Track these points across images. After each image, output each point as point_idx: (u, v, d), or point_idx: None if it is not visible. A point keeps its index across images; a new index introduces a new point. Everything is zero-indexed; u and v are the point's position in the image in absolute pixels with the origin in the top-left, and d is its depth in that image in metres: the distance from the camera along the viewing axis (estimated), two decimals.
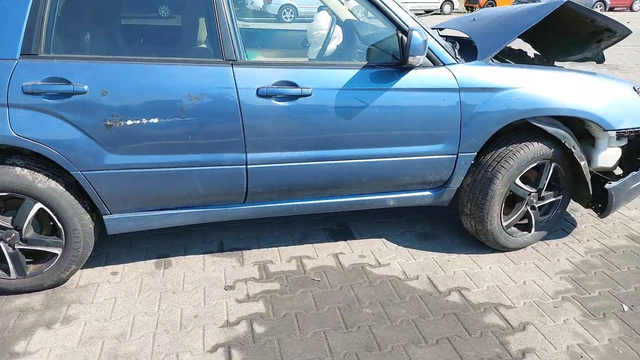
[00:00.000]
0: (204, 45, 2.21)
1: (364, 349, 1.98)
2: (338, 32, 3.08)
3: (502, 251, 2.68)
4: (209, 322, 2.13)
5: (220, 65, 2.11)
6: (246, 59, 2.17)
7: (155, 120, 2.06)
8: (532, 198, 2.57)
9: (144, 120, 2.06)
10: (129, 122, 2.05)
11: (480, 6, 23.02)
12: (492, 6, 22.91)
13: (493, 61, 2.58)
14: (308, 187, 2.37)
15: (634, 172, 2.55)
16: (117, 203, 2.21)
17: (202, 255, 2.65)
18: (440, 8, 21.68)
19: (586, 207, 2.73)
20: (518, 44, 3.35)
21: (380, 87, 2.24)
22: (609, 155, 2.57)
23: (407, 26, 2.23)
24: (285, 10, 16.56)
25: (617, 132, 2.44)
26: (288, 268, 2.53)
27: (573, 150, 2.44)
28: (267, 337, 2.04)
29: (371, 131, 2.28)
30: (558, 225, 2.95)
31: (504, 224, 2.57)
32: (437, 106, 2.30)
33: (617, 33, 2.68)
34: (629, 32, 2.63)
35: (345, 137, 2.27)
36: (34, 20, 1.96)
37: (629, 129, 2.45)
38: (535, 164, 2.48)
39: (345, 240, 2.81)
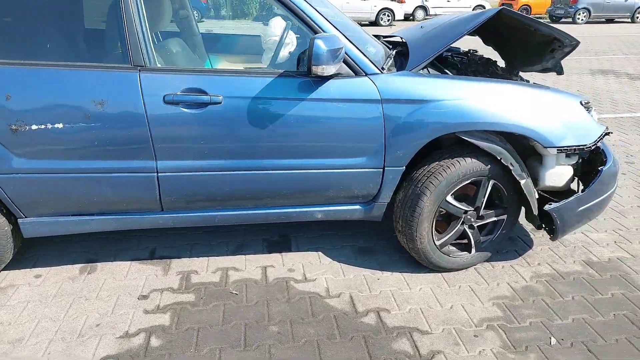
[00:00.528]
0: (113, 51, 2.18)
1: None
2: (292, 38, 3.00)
3: (439, 271, 2.53)
4: (109, 332, 2.09)
5: (127, 71, 2.08)
6: (156, 65, 2.13)
7: (60, 126, 2.05)
8: (469, 217, 2.42)
9: (49, 125, 2.05)
10: (34, 127, 2.04)
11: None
12: (527, 11, 22.25)
13: (429, 71, 2.45)
14: (227, 197, 2.30)
15: (579, 194, 2.35)
16: (30, 207, 2.21)
17: (129, 262, 2.62)
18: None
19: (538, 228, 2.54)
20: (492, 54, 3.18)
21: (296, 96, 2.15)
22: (557, 174, 2.39)
23: (324, 32, 2.14)
24: None
25: (559, 150, 2.26)
26: (211, 279, 2.47)
27: (511, 168, 2.28)
28: (159, 352, 1.98)
29: (288, 142, 2.20)
30: (510, 246, 2.77)
31: (438, 242, 2.42)
32: (358, 118, 2.19)
33: (565, 43, 2.49)
34: (577, 42, 2.44)
35: (260, 147, 2.19)
36: None
37: (571, 146, 2.26)
38: (469, 181, 2.33)
39: (281, 252, 2.73)
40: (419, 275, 2.51)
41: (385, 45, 2.83)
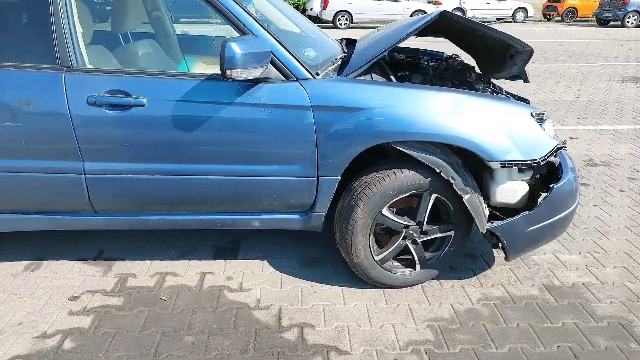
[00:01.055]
0: (42, 51, 2.18)
1: None
2: None
3: (382, 287, 2.40)
4: (27, 332, 2.09)
5: (53, 71, 2.08)
6: (85, 66, 2.12)
7: None
8: (411, 232, 2.28)
9: None
10: None
11: (558, 14, 21.45)
12: (573, 13, 21.29)
13: (372, 77, 2.33)
14: (159, 201, 2.27)
15: (526, 212, 2.17)
16: None
17: (74, 261, 2.64)
18: (513, 16, 20.48)
19: (493, 247, 2.37)
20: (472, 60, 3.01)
21: (222, 100, 2.08)
22: (509, 190, 2.21)
23: (252, 33, 2.06)
24: (340, 16, 16.56)
25: (502, 164, 2.09)
26: (146, 284, 2.44)
27: (452, 182, 2.13)
28: (68, 355, 1.97)
29: (215, 147, 2.14)
30: (468, 264, 2.61)
31: (377, 257, 2.30)
32: (288, 124, 2.10)
33: (518, 49, 2.31)
34: (530, 48, 2.26)
35: (186, 152, 2.14)
36: None
37: (516, 161, 2.09)
38: (408, 194, 2.20)
39: (226, 259, 2.67)
40: (360, 290, 2.39)
41: (344, 49, 2.72)
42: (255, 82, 2.09)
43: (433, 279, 2.47)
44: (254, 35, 2.07)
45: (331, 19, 16.80)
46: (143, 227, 2.36)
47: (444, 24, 2.41)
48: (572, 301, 2.31)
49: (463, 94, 2.15)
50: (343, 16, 16.75)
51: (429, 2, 20.10)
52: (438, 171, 2.12)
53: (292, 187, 2.22)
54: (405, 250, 2.35)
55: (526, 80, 2.52)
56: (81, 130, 2.09)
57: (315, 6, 17.52)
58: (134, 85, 2.08)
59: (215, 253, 2.72)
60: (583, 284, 2.45)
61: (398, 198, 2.20)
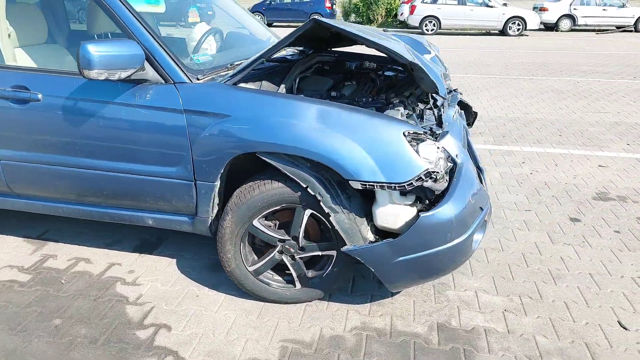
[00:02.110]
0: None
1: None
2: (210, 43, 3.03)
3: (264, 301, 2.33)
4: None
5: None
6: (3, 63, 2.34)
7: None
8: (288, 246, 2.19)
9: None
10: None
11: None
12: None
13: (261, 85, 2.27)
14: (62, 191, 2.43)
15: (390, 239, 1.97)
16: None
17: (19, 237, 2.92)
18: (635, 24, 18.27)
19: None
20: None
21: (103, 99, 2.18)
22: (390, 214, 2.03)
23: (135, 36, 2.13)
24: (427, 22, 16.07)
25: (362, 184, 1.92)
26: (58, 266, 2.64)
27: (320, 199, 2.01)
28: None
29: (99, 143, 2.24)
30: (373, 290, 2.43)
31: (251, 268, 2.24)
32: (163, 126, 2.14)
33: (402, 61, 2.09)
34: (412, 61, 2.03)
35: (76, 146, 2.28)
36: None
37: (379, 182, 1.90)
38: (279, 207, 2.11)
39: (142, 253, 2.78)
40: (241, 300, 2.36)
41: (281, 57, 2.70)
42: (138, 82, 2.15)
43: (323, 299, 2.34)
44: (136, 37, 2.13)
45: (417, 25, 16.37)
46: (56, 213, 2.54)
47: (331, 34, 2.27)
48: (456, 347, 2.06)
49: (332, 107, 2.02)
50: (430, 22, 16.23)
51: (534, 8, 18.70)
52: (304, 186, 2.02)
53: (172, 190, 2.25)
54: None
55: (439, 94, 2.28)
56: None
57: (405, 11, 17.20)
58: (32, 81, 2.26)
59: (136, 247, 2.84)
60: (485, 329, 2.16)
61: (269, 210, 2.12)
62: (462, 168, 2.09)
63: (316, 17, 1.96)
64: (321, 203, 2.02)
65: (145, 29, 2.16)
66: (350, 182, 1.93)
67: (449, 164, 2.08)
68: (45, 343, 2.06)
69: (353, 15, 20.67)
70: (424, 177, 1.89)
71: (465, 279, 2.54)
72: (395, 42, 2.22)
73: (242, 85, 2.20)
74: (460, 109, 3.17)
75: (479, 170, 2.97)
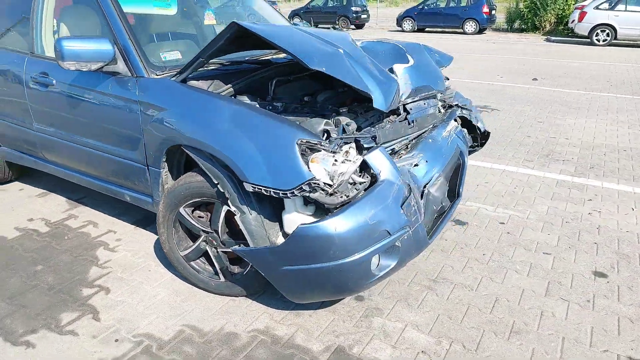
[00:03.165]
0: (24, 40, 3.02)
1: None
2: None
3: (197, 287, 2.48)
4: None
5: (23, 54, 2.92)
6: (44, 54, 2.88)
7: None
8: (210, 238, 2.30)
9: None
10: None
11: None
12: None
13: (210, 82, 2.39)
14: (68, 160, 2.92)
15: (269, 245, 1.93)
16: None
17: (63, 197, 3.54)
18: None
19: None
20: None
21: (87, 87, 2.57)
22: (292, 221, 2.01)
23: (115, 35, 2.44)
24: (599, 30, 14.06)
25: (253, 187, 1.93)
26: (71, 224, 3.14)
27: (228, 197, 2.08)
28: None
29: (84, 123, 2.66)
30: None
31: (182, 253, 2.40)
32: (122, 113, 2.44)
33: (306, 67, 1.98)
34: (311, 67, 1.92)
35: (72, 124, 2.74)
36: None
37: (266, 187, 1.89)
38: (199, 199, 2.24)
39: (139, 227, 3.13)
40: (180, 282, 2.54)
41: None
42: (113, 74, 2.46)
43: (251, 297, 2.40)
44: (115, 35, 2.44)
45: (587, 34, 14.45)
46: (67, 178, 3.04)
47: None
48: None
49: (243, 108, 2.06)
50: (603, 31, 14.18)
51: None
52: (216, 182, 2.10)
53: (134, 172, 2.53)
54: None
55: (383, 109, 2.12)
56: (30, 99, 2.88)
57: (575, 18, 15.33)
58: (51, 69, 2.74)
59: (138, 220, 3.22)
60: None
61: (192, 201, 2.26)
62: (378, 187, 1.95)
63: (235, 20, 2.02)
64: (229, 201, 2.07)
65: (124, 28, 2.46)
66: (244, 184, 1.96)
67: (362, 180, 1.96)
68: (19, 282, 2.52)
69: (517, 21, 19.10)
70: (304, 187, 1.82)
71: (404, 310, 2.33)
72: (321, 48, 2.14)
73: (193, 82, 2.35)
74: (464, 127, 2.86)
75: (457, 196, 2.67)
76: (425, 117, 2.56)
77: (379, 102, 2.08)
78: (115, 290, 2.46)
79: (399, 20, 19.13)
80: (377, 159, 1.99)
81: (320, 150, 1.91)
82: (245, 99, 2.32)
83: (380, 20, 23.88)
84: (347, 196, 1.89)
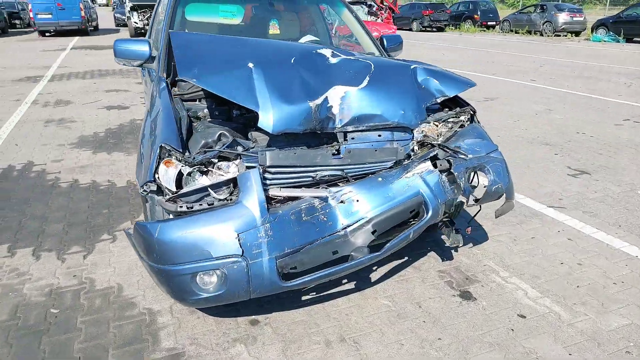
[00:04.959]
0: None
1: None
2: None
3: None
4: None
5: None
6: None
7: None
8: None
9: None
10: None
11: None
12: None
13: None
14: None
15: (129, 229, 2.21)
16: None
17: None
18: None
19: None
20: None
21: (144, 75, 3.30)
22: (156, 217, 2.16)
23: (159, 42, 3.04)
24: None
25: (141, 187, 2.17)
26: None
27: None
28: None
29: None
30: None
31: None
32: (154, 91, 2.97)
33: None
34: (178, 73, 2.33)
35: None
36: None
37: (135, 180, 2.19)
38: None
39: None
40: None
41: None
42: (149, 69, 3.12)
43: None
44: (159, 41, 3.02)
45: None
46: None
47: None
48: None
49: (163, 109, 2.38)
50: None
51: None
52: None
53: None
54: None
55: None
56: None
57: None
58: None
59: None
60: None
61: None
62: (223, 208, 1.97)
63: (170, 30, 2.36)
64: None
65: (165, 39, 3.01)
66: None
67: (220, 197, 1.98)
68: (55, 227, 3.36)
69: None
70: (151, 186, 1.97)
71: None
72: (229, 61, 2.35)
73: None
74: (444, 172, 2.36)
75: (380, 250, 2.23)
76: (370, 151, 2.25)
77: (264, 123, 2.05)
78: (104, 260, 3.10)
79: None
80: (246, 181, 1.95)
81: (179, 159, 2.01)
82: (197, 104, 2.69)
83: None
84: (190, 207, 1.92)
